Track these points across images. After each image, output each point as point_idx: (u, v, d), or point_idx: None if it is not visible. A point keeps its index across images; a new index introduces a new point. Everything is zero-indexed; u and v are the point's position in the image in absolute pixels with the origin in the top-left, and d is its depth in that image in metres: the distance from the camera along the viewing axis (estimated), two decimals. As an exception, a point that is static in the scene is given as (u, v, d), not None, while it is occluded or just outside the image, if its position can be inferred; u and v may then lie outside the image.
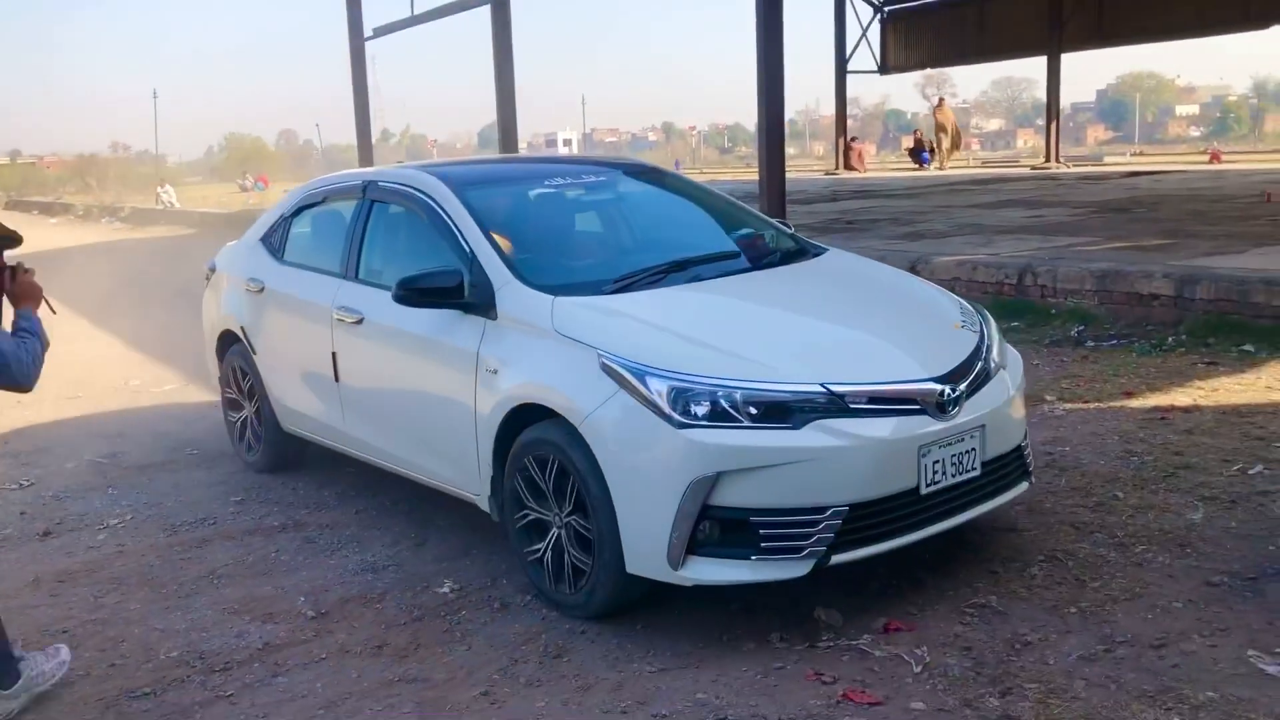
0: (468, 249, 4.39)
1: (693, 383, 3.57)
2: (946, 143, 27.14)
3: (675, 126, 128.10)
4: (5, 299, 3.53)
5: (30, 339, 3.45)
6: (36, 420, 7.62)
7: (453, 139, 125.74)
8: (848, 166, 27.78)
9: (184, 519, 5.34)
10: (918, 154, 29.17)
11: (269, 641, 3.95)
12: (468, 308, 4.25)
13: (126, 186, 54.12)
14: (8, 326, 3.48)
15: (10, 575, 4.75)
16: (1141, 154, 37.93)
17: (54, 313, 3.68)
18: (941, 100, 28.32)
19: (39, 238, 27.43)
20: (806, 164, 27.34)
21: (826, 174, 27.95)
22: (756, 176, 10.96)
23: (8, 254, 3.57)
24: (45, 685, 3.65)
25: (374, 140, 20.98)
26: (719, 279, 4.42)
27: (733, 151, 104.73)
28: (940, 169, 26.79)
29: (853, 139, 29.14)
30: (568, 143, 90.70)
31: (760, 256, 4.74)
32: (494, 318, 4.17)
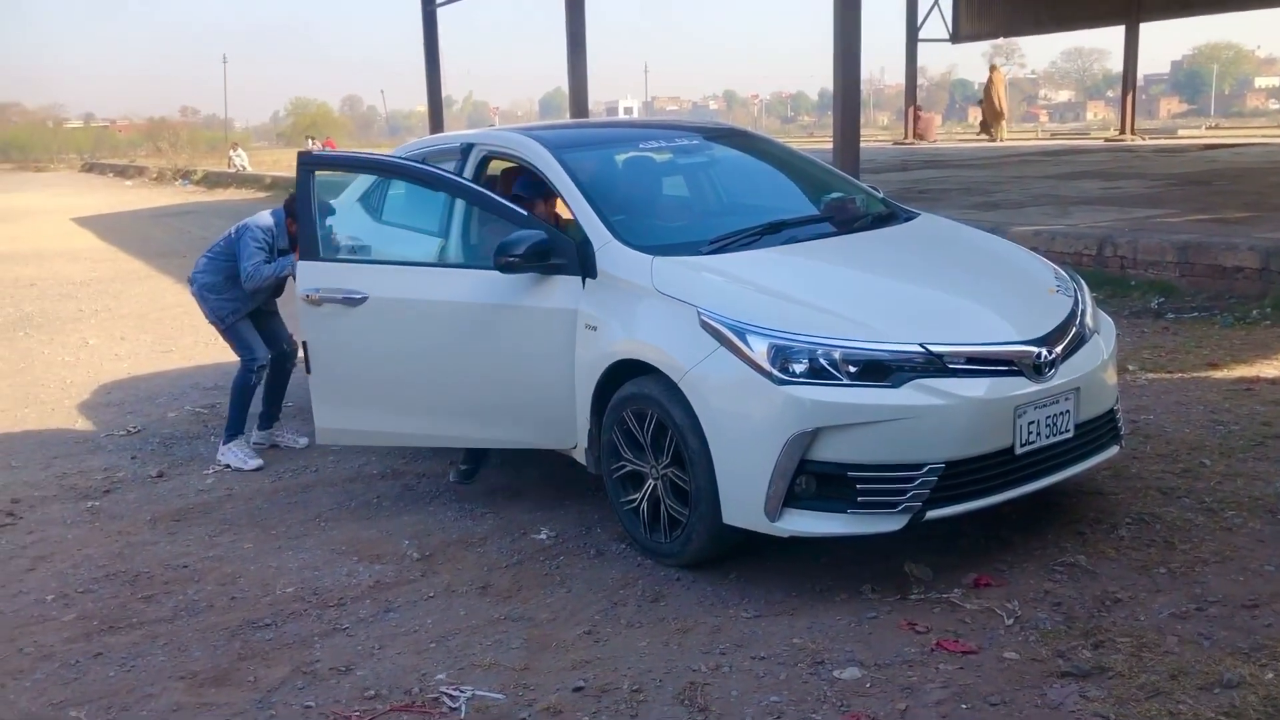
0: (568, 210, 4.51)
1: (792, 340, 3.67)
2: (996, 115, 26.45)
3: (737, 95, 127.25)
4: None
5: (270, 265, 5.61)
6: (135, 372, 7.94)
7: (514, 106, 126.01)
8: (916, 135, 27.45)
9: (285, 466, 5.57)
10: (987, 126, 28.59)
11: (378, 580, 4.15)
12: (564, 268, 4.37)
13: (196, 150, 55.14)
14: None
15: (129, 514, 5.01)
16: (1218, 127, 36.99)
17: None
18: (994, 68, 27.50)
19: (118, 200, 28.18)
20: (871, 133, 27.01)
21: (895, 143, 27.67)
22: (819, 145, 10.92)
23: None
24: (282, 444, 5.93)
25: (441, 106, 21.12)
26: (813, 241, 4.51)
27: (795, 121, 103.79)
28: (999, 141, 26.23)
29: (919, 108, 28.70)
30: (629, 110, 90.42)
31: (852, 220, 4.81)
32: (594, 276, 4.29)
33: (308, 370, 4.83)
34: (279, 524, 4.80)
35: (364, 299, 4.67)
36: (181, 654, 3.67)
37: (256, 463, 5.62)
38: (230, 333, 5.78)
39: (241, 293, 5.67)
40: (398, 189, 5.41)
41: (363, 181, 5.54)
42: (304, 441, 5.90)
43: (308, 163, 4.93)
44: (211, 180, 32.68)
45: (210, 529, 4.79)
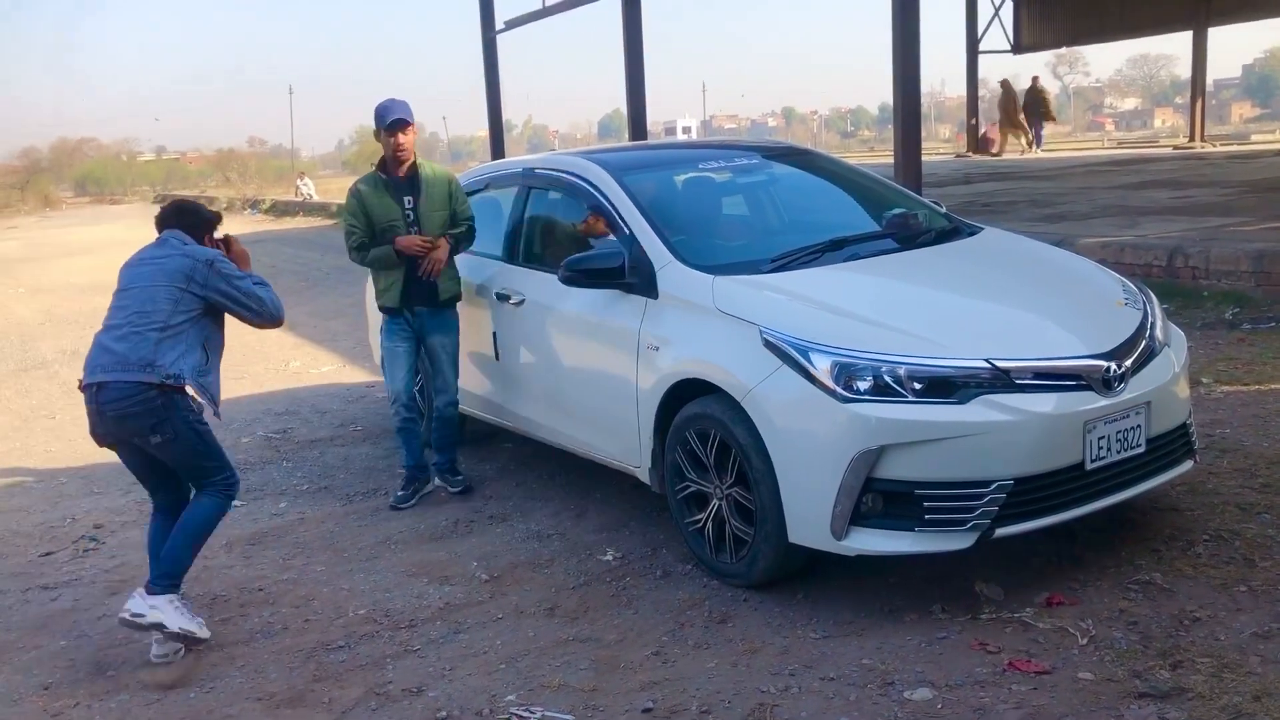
0: (628, 231, 4.56)
1: (856, 358, 3.66)
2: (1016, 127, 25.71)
3: (796, 111, 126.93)
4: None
5: (264, 287, 4.22)
6: (209, 398, 8.11)
7: (573, 129, 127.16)
8: (977, 150, 27.08)
9: (356, 490, 5.67)
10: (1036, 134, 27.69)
11: (448, 602, 4.20)
12: (629, 287, 4.42)
13: (264, 179, 56.41)
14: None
15: (204, 538, 5.12)
16: (1292, 131, 36.02)
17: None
18: (1035, 79, 26.73)
19: (190, 229, 28.91)
20: (932, 146, 26.76)
21: (956, 156, 27.39)
22: (880, 160, 10.85)
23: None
24: (169, 626, 3.81)
25: (501, 131, 21.38)
26: (876, 258, 4.49)
27: (855, 135, 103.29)
28: (997, 154, 25.29)
29: (989, 123, 28.12)
30: (687, 130, 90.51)
31: (915, 235, 4.79)
32: (655, 296, 4.33)
33: (496, 357, 5.37)
34: (350, 547, 4.88)
35: (523, 300, 5.11)
36: (258, 675, 3.75)
37: (202, 625, 3.96)
38: (208, 443, 4.10)
39: (216, 370, 4.20)
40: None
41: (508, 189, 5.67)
42: (205, 632, 3.95)
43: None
44: (279, 209, 33.38)
45: (284, 552, 4.88)
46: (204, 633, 3.93)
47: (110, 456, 6.63)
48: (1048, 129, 26.90)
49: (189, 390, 4.00)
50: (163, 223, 4.22)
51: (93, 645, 4.11)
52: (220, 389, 4.18)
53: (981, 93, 26.89)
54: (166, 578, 3.96)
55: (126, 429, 3.97)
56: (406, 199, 5.18)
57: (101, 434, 4.06)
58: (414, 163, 5.19)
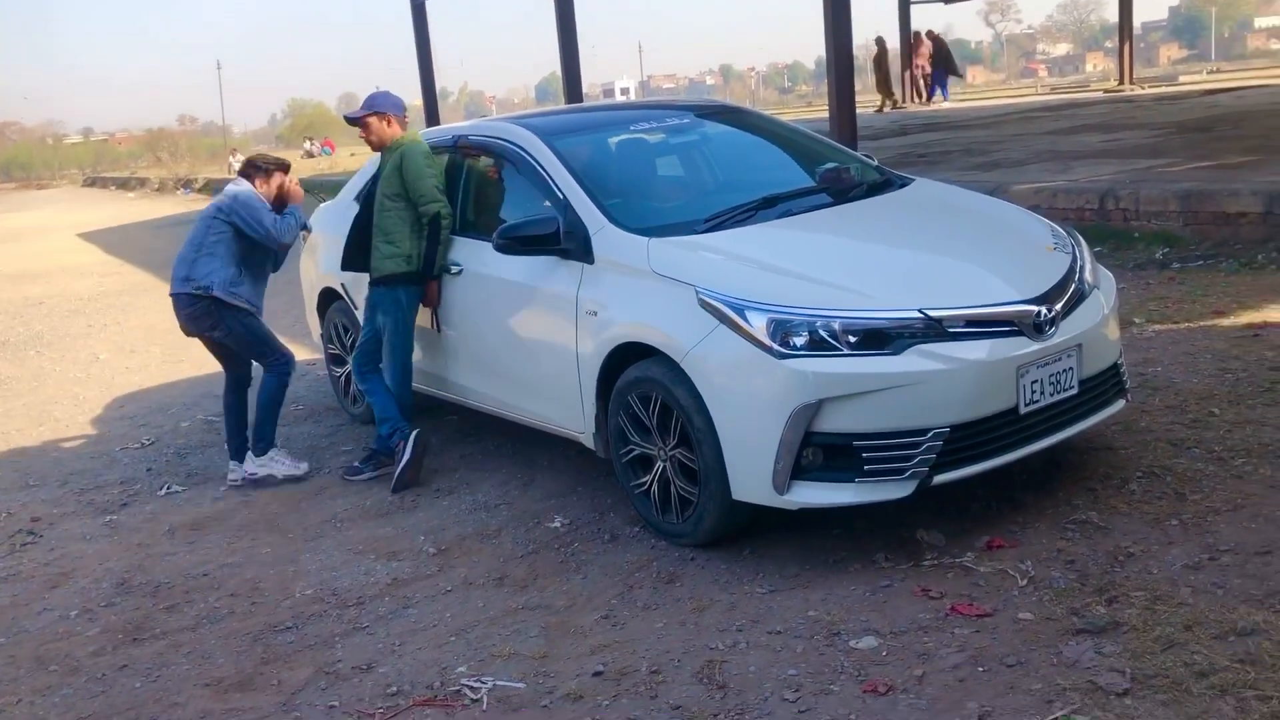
0: (561, 196, 4.53)
1: (791, 314, 3.67)
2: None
3: (734, 69, 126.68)
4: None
5: (289, 216, 5.41)
6: (147, 384, 7.99)
7: (510, 94, 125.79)
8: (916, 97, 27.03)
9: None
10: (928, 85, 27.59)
11: (396, 577, 4.18)
12: (565, 253, 4.39)
13: (196, 158, 55.26)
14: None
15: (146, 526, 5.06)
16: (1219, 71, 36.65)
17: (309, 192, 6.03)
18: (918, 36, 26.68)
19: (121, 213, 28.25)
20: (868, 99, 26.78)
21: (894, 107, 27.49)
22: (817, 115, 10.88)
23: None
24: (277, 473, 5.44)
25: (436, 98, 21.06)
26: (809, 213, 4.50)
27: (792, 91, 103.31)
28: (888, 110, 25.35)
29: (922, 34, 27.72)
30: (624, 91, 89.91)
31: (847, 189, 4.80)
32: (591, 261, 4.31)
33: (436, 329, 5.31)
34: (295, 527, 4.84)
35: (460, 270, 5.05)
36: (205, 661, 3.72)
37: (304, 465, 5.53)
38: (256, 334, 5.44)
39: (256, 281, 5.44)
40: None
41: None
42: (303, 467, 5.52)
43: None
44: (213, 188, 32.65)
45: (228, 536, 4.83)
46: (305, 468, 5.49)
47: (45, 449, 6.55)
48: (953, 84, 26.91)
49: (220, 297, 5.26)
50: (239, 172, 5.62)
51: (34, 641, 4.04)
52: (262, 299, 5.49)
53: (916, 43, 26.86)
54: (262, 441, 5.50)
55: (196, 327, 5.42)
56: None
57: (185, 331, 5.52)
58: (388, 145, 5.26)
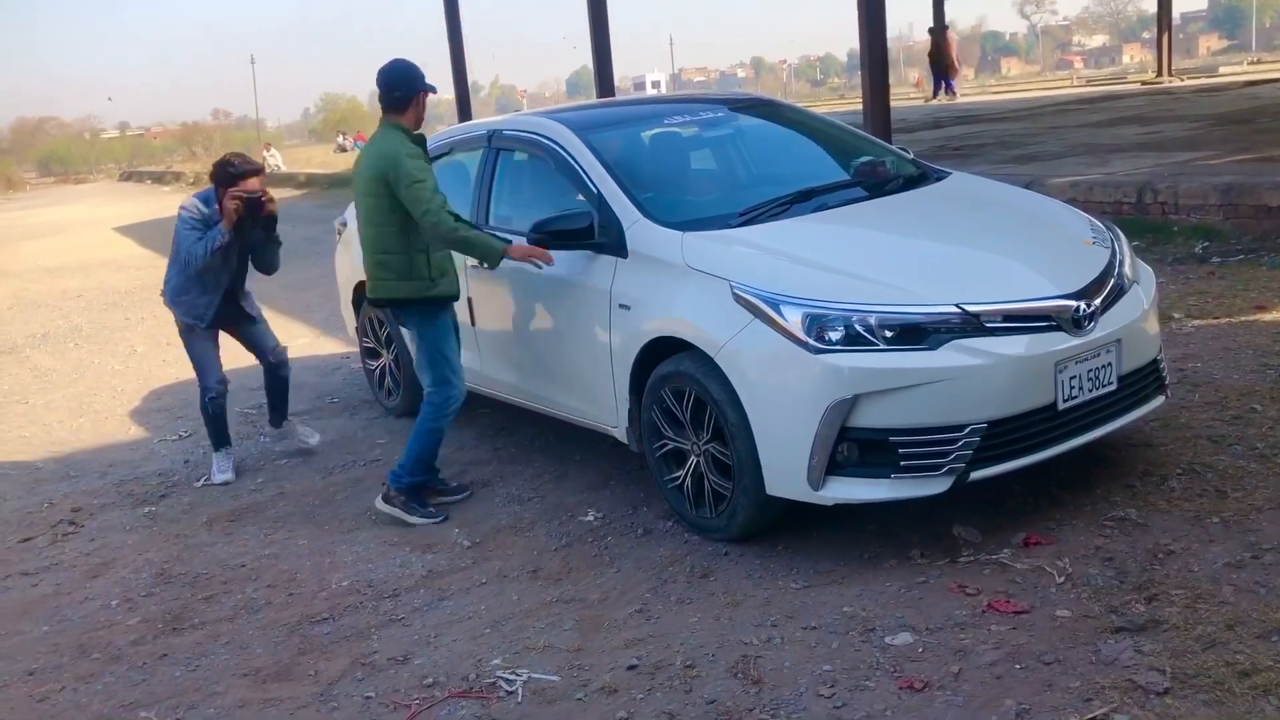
0: (595, 190, 4.52)
1: (827, 308, 3.65)
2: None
3: (765, 61, 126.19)
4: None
5: (201, 242, 5.19)
6: (183, 376, 8.03)
7: (541, 88, 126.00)
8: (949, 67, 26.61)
9: (335, 462, 5.65)
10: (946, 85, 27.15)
11: (431, 569, 4.20)
12: (599, 247, 4.39)
13: (230, 152, 55.68)
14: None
15: (184, 518, 5.12)
16: (1259, 62, 36.07)
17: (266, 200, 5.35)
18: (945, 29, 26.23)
19: (157, 207, 28.55)
20: (902, 91, 26.61)
21: (926, 101, 27.29)
22: (849, 107, 10.80)
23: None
24: (295, 440, 5.85)
25: (466, 93, 21.09)
26: (844, 207, 4.48)
27: (824, 83, 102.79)
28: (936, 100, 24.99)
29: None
30: (656, 84, 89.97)
31: (883, 183, 4.78)
32: (625, 256, 4.31)
33: (472, 323, 5.25)
34: (331, 519, 4.88)
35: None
36: (243, 651, 3.76)
37: (224, 476, 5.55)
38: (187, 345, 5.58)
39: (205, 291, 5.39)
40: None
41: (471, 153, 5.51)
42: (315, 439, 5.86)
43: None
44: (247, 182, 32.96)
45: (265, 528, 4.88)
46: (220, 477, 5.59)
47: (85, 440, 6.63)
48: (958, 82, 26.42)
49: (166, 304, 5.49)
50: None
51: (76, 629, 4.10)
52: (211, 309, 5.43)
53: (950, 35, 26.59)
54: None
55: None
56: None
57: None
58: None
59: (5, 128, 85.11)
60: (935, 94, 25.79)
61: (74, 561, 4.77)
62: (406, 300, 4.64)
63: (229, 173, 5.22)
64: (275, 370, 5.81)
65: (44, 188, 60.25)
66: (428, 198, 4.43)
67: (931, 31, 25.28)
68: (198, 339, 5.50)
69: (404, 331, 5.06)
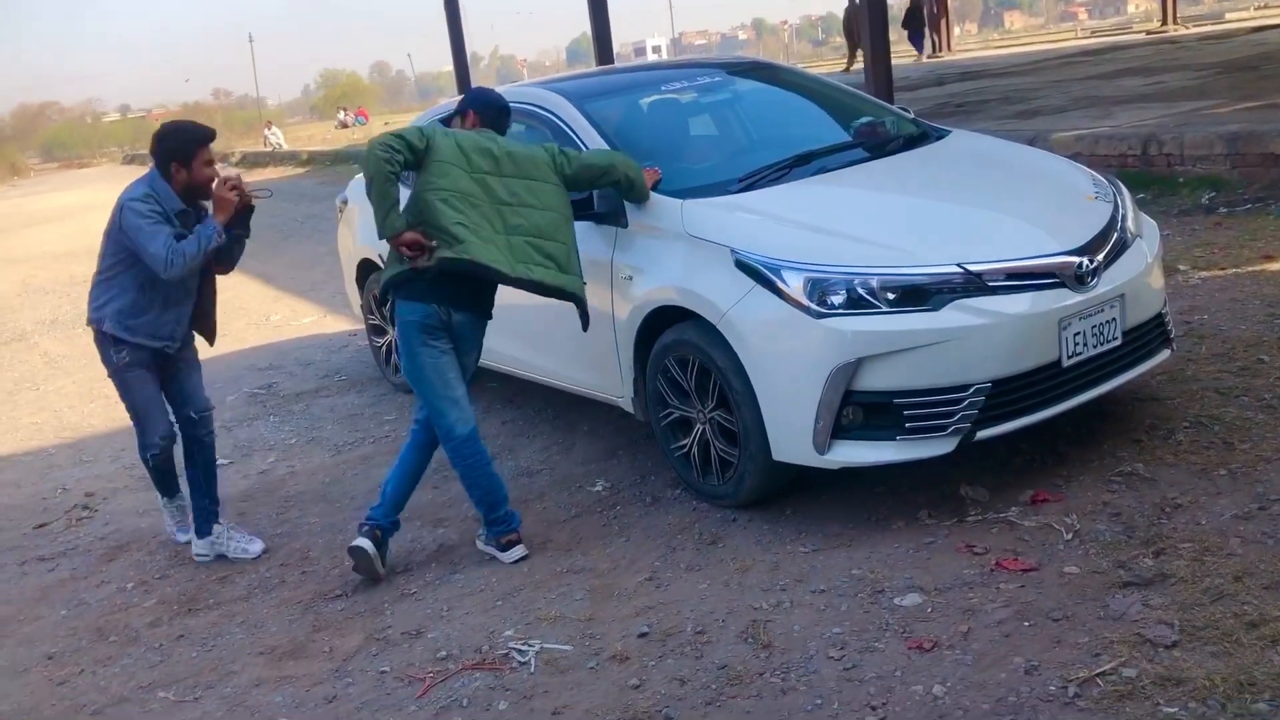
0: (595, 159, 4.49)
1: (828, 272, 3.64)
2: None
3: (766, 22, 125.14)
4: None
5: (190, 240, 4.02)
6: (192, 359, 8.09)
7: (541, 57, 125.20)
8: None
9: (344, 440, 5.68)
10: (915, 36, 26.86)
11: (442, 544, 4.24)
12: (599, 218, 4.37)
13: (233, 132, 55.61)
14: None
15: (197, 499, 5.14)
16: (1266, 7, 35.60)
17: (269, 194, 4.43)
18: None
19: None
20: (904, 49, 26.37)
21: (928, 58, 27.05)
22: (852, 68, 10.68)
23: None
24: (230, 554, 4.40)
25: (467, 64, 20.96)
26: (844, 169, 4.45)
27: (826, 44, 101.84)
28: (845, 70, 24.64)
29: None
30: (656, 49, 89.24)
31: (883, 144, 4.74)
32: (624, 225, 4.29)
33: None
34: (342, 496, 4.91)
35: None
36: (259, 630, 3.80)
37: (186, 537, 4.53)
38: (125, 387, 4.31)
39: (167, 307, 4.20)
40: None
41: None
42: (258, 547, 4.43)
43: None
44: (250, 160, 32.96)
45: (277, 507, 4.91)
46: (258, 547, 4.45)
47: (96, 425, 6.67)
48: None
49: (112, 333, 4.18)
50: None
51: (93, 612, 4.15)
52: (177, 330, 4.27)
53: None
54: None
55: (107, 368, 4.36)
56: None
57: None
58: None
59: (7, 114, 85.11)
60: (921, 52, 25.69)
61: (89, 546, 4.81)
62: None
63: (186, 139, 4.07)
64: (198, 432, 4.41)
65: (48, 173, 60.29)
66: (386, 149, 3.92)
67: None
68: (141, 379, 4.26)
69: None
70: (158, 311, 4.18)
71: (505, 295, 5.08)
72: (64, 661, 3.80)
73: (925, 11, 25.85)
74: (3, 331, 10.76)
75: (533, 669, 3.25)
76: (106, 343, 4.23)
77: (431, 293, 3.86)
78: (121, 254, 4.11)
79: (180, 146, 4.06)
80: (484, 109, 4.16)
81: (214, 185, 4.10)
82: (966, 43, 41.52)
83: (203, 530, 4.42)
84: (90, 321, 4.28)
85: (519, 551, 3.99)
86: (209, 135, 4.15)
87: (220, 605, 4.03)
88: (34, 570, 4.65)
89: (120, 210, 4.04)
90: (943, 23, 27.58)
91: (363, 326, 6.78)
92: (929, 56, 25.73)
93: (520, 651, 3.34)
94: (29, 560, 4.76)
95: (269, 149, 33.88)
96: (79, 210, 25.77)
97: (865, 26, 10.45)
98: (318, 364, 7.34)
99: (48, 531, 5.07)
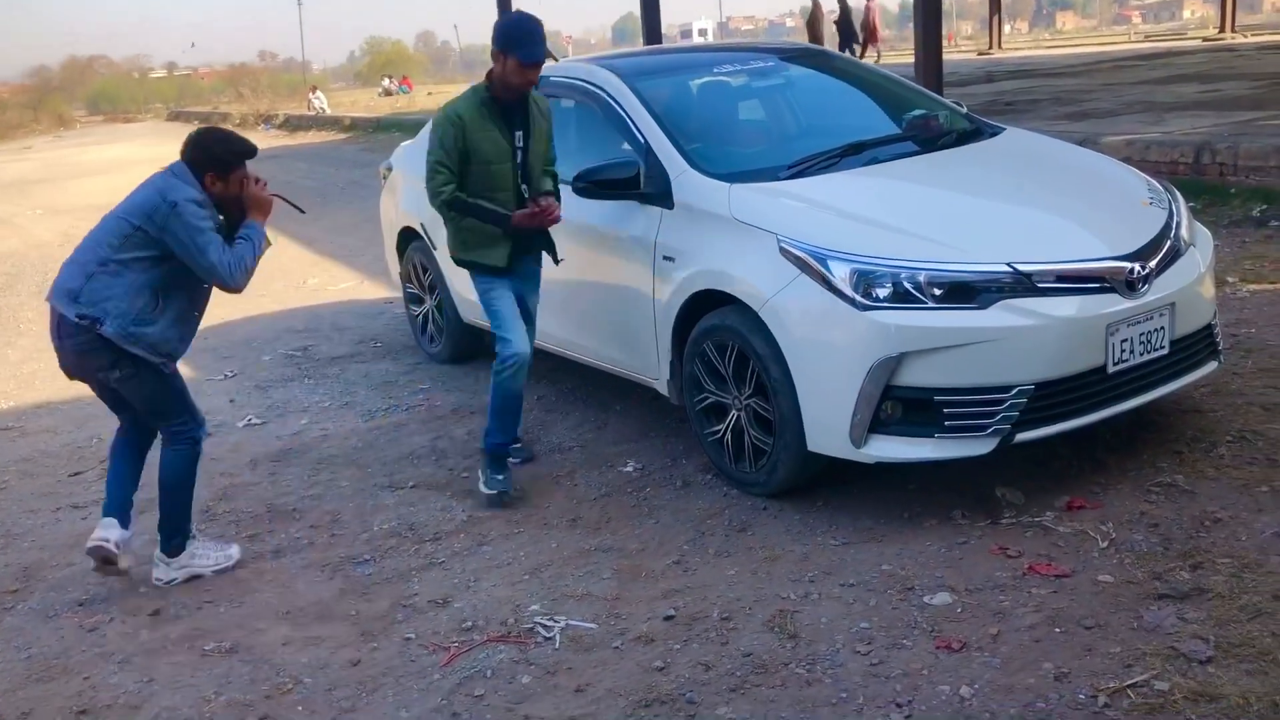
0: (642, 139, 4.48)
1: (875, 264, 3.61)
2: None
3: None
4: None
5: (244, 244, 3.74)
6: (229, 318, 8.12)
7: (586, 35, 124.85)
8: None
9: (377, 406, 5.70)
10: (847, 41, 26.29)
11: (471, 515, 4.24)
12: (645, 198, 4.35)
13: (277, 94, 55.83)
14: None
15: (229, 457, 5.18)
16: (1327, 18, 34.88)
17: (302, 211, 4.12)
18: None
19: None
20: (956, 44, 26.13)
21: (979, 54, 26.77)
22: (900, 60, 10.60)
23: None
24: (203, 572, 3.97)
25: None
26: (895, 161, 4.41)
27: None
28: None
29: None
30: (703, 32, 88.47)
31: (936, 138, 4.69)
32: (670, 207, 4.27)
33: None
34: (374, 461, 4.93)
35: None
36: (286, 590, 3.82)
37: (235, 549, 4.09)
38: (171, 388, 3.86)
39: (178, 321, 3.78)
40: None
41: None
42: (234, 550, 4.09)
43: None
44: (293, 124, 33.06)
45: (308, 469, 4.93)
46: (235, 554, 4.05)
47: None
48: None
49: (111, 337, 3.63)
50: (181, 151, 3.79)
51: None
52: (180, 344, 3.82)
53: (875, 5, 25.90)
54: (177, 535, 3.96)
55: (84, 368, 3.81)
56: (518, 133, 4.22)
57: (67, 372, 3.88)
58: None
59: (57, 66, 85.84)
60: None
61: (123, 497, 4.85)
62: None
63: (228, 152, 3.77)
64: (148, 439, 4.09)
65: (93, 125, 60.79)
66: (431, 171, 4.27)
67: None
68: (165, 379, 3.85)
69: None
70: (166, 324, 3.73)
71: (549, 272, 5.08)
72: (94, 609, 3.84)
73: (860, 23, 25.51)
74: (43, 281, 10.86)
75: (557, 645, 3.25)
76: (100, 348, 3.69)
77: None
78: (152, 250, 3.64)
79: (222, 158, 3.74)
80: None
81: (246, 186, 3.77)
82: (1016, 41, 40.97)
83: (174, 543, 3.98)
84: (80, 315, 3.63)
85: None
86: (251, 152, 3.83)
87: (249, 563, 4.05)
88: (67, 517, 4.70)
89: (174, 209, 3.59)
90: (994, 19, 27.24)
91: (399, 295, 6.79)
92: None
93: (545, 627, 3.35)
94: (63, 507, 4.81)
95: (313, 113, 33.95)
96: (124, 164, 25.96)
97: (919, 17, 10.33)
98: (353, 329, 7.36)
99: (82, 480, 5.12)
